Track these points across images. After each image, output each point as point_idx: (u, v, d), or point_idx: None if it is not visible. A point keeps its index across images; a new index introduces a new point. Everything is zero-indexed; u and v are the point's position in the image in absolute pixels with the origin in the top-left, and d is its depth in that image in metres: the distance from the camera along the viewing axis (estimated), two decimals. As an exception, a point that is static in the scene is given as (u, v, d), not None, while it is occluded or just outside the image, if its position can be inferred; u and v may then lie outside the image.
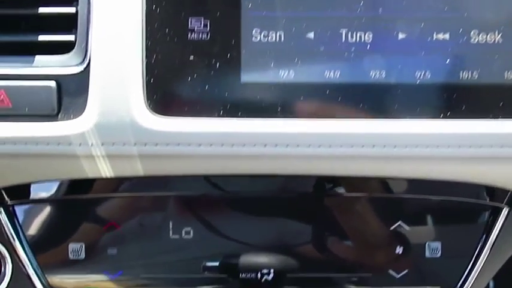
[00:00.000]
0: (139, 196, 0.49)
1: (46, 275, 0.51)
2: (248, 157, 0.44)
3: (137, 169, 0.45)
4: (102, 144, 0.43)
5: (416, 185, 0.49)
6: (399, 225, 0.51)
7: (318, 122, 0.42)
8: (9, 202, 0.49)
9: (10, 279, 0.52)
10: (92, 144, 0.43)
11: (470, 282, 0.52)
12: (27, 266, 0.50)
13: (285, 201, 0.50)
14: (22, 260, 0.50)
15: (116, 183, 0.48)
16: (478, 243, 0.51)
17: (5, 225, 0.49)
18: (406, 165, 0.44)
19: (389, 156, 0.43)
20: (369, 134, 0.42)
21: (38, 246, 0.50)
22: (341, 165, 0.45)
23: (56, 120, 0.43)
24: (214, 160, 0.44)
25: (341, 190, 0.50)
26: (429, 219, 0.51)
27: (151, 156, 0.44)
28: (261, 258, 0.51)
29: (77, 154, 0.43)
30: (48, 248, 0.50)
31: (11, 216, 0.49)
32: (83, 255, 0.50)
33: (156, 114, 0.43)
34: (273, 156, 0.43)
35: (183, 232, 0.50)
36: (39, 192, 0.49)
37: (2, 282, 0.52)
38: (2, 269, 0.52)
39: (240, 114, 0.43)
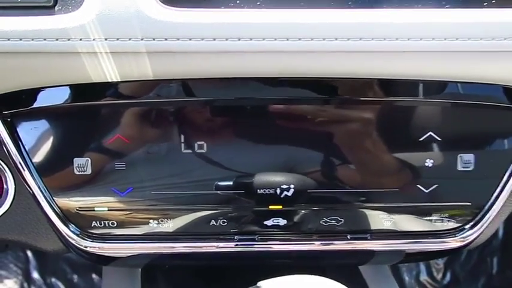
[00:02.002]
0: (149, 105, 0.44)
1: (51, 193, 0.46)
2: (266, 53, 0.39)
3: (145, 70, 0.40)
4: (106, 39, 0.38)
5: (446, 90, 0.44)
6: (429, 135, 0.46)
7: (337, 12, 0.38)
8: (7, 112, 0.44)
9: (13, 199, 0.48)
10: (93, 39, 0.38)
11: (502, 200, 0.48)
12: (31, 183, 0.46)
13: (308, 112, 0.45)
14: (25, 177, 0.45)
15: (123, 89, 0.43)
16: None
17: (4, 139, 0.45)
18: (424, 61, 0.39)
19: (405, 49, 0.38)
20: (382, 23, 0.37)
21: (41, 162, 0.46)
22: (359, 64, 0.40)
23: (53, 13, 0.38)
24: (230, 58, 0.39)
25: (365, 96, 0.45)
26: (462, 129, 0.46)
27: (160, 54, 0.39)
28: (280, 174, 0.47)
29: (78, 50, 0.38)
30: (52, 163, 0.46)
31: (11, 128, 0.45)
32: (89, 171, 0.46)
33: (165, 5, 0.38)
34: (292, 52, 0.38)
35: (196, 146, 0.46)
36: (39, 100, 0.44)
37: (4, 202, 0.48)
38: (4, 187, 0.48)
39: (258, 4, 0.38)
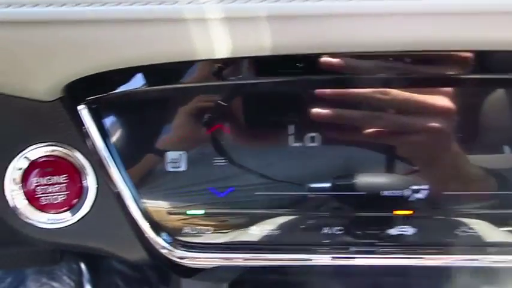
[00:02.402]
0: (258, 88, 0.37)
1: (139, 193, 0.40)
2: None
3: (264, 42, 0.33)
4: (219, 1, 0.31)
5: None
6: None
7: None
8: (93, 98, 0.38)
9: (94, 200, 0.42)
10: (204, 1, 0.31)
11: None
12: (117, 181, 0.39)
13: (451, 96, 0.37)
14: (111, 174, 0.39)
15: (230, 68, 0.36)
16: None
17: (89, 130, 0.38)
18: None
19: None
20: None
21: (128, 156, 0.39)
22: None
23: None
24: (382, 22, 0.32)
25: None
26: None
27: (287, 19, 0.32)
28: (409, 173, 0.39)
29: (184, 17, 0.32)
30: (141, 158, 0.39)
31: (96, 117, 0.38)
32: (183, 166, 0.39)
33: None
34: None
35: (307, 139, 0.38)
36: (130, 83, 0.37)
37: (83, 204, 0.41)
38: (84, 185, 0.41)
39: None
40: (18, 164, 0.40)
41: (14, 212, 0.41)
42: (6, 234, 0.42)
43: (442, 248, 0.39)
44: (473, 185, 0.37)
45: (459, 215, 0.38)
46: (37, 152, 0.40)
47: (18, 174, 0.40)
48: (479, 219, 0.39)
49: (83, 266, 1.37)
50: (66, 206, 0.41)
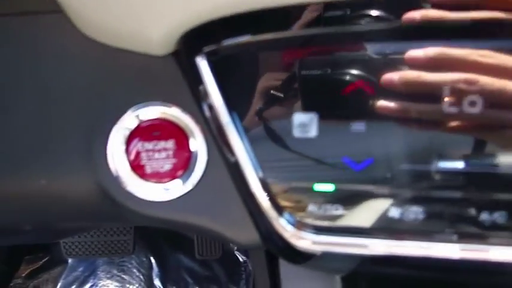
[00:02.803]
0: (414, 38, 0.30)
1: (260, 162, 0.34)
2: None
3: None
4: None
5: None
6: None
7: None
8: (212, 49, 0.32)
9: (204, 172, 0.36)
10: None
11: None
12: (237, 149, 0.33)
13: None
14: (229, 140, 0.33)
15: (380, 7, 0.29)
16: None
17: (206, 86, 0.33)
18: None
19: None
20: None
21: (249, 119, 0.33)
22: None
23: None
24: None
25: None
26: None
27: None
28: None
29: None
30: (264, 121, 0.33)
31: (216, 71, 0.33)
32: (313, 132, 0.33)
33: None
34: None
35: (466, 103, 0.30)
36: (255, 30, 0.32)
37: (191, 173, 0.36)
38: (194, 155, 0.36)
39: None
40: (125, 123, 0.35)
41: (116, 180, 0.36)
42: (103, 207, 0.37)
43: None
44: None
45: None
46: (145, 111, 0.35)
47: (123, 136, 0.35)
48: None
49: (152, 260, 1.35)
50: (172, 177, 0.36)
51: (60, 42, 0.34)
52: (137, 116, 0.35)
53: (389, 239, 0.33)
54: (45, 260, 1.40)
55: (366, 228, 0.34)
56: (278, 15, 0.30)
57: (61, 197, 0.36)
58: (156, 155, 0.36)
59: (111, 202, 0.36)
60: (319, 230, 0.33)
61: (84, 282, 1.37)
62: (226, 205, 0.36)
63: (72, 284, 1.37)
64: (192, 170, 0.36)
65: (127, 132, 0.35)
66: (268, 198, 0.34)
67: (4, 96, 0.34)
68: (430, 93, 0.30)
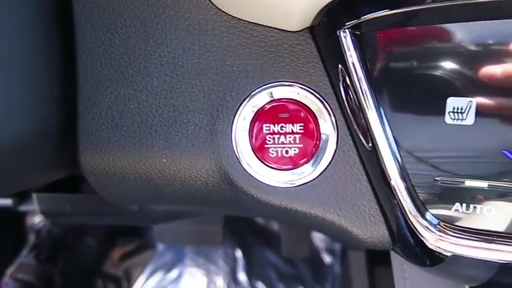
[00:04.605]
0: None
1: (401, 152, 0.30)
2: None
3: None
4: None
5: None
6: None
7: None
8: (357, 22, 0.29)
9: (331, 160, 0.33)
10: None
11: None
12: (378, 134, 0.30)
13: None
14: (370, 124, 0.30)
15: None
16: None
17: (352, 63, 0.29)
18: None
19: None
20: None
21: (394, 101, 0.30)
22: None
23: None
24: None
25: None
26: None
27: None
28: None
29: None
30: (410, 104, 0.29)
31: (360, 47, 0.29)
32: (470, 119, 0.28)
33: None
34: None
35: None
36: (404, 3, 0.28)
37: (316, 165, 0.33)
38: (323, 141, 0.33)
39: None
40: (253, 103, 0.33)
41: (238, 162, 0.34)
42: (220, 191, 0.35)
43: None
44: None
45: None
46: (275, 91, 0.32)
47: (249, 116, 0.33)
48: None
49: (239, 253, 1.35)
50: (296, 163, 0.33)
51: (193, 16, 0.33)
52: (266, 95, 0.33)
53: None
54: (136, 244, 1.45)
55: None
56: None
57: (179, 178, 0.35)
58: (282, 139, 0.33)
59: (230, 186, 0.34)
60: (465, 232, 0.29)
61: (172, 268, 1.40)
62: (353, 197, 0.33)
63: (160, 269, 1.41)
64: (319, 157, 0.33)
65: (253, 113, 0.33)
66: (407, 191, 0.30)
67: (137, 68, 0.33)
68: None
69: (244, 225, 1.34)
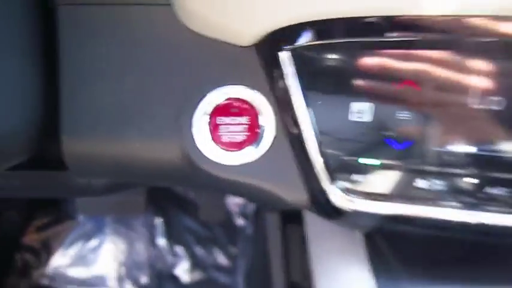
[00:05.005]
0: (454, 48, 0.39)
1: (320, 139, 0.42)
2: None
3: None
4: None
5: None
6: None
7: None
8: (296, 46, 0.40)
9: (272, 143, 0.44)
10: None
11: None
12: (304, 125, 0.41)
13: None
14: (298, 117, 0.41)
15: (429, 24, 0.38)
16: None
17: (286, 73, 0.41)
18: None
19: None
20: None
21: (315, 102, 0.42)
22: None
23: None
24: None
25: None
26: None
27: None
28: None
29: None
30: (327, 105, 0.42)
31: (291, 63, 0.41)
32: (367, 118, 0.41)
33: None
34: None
35: (491, 102, 0.39)
36: (330, 35, 0.40)
37: (258, 147, 0.44)
38: (263, 130, 0.44)
39: None
40: (210, 101, 0.43)
41: (198, 147, 0.44)
42: (184, 170, 0.45)
43: None
44: None
45: None
46: (227, 91, 0.43)
47: (207, 111, 0.43)
48: None
49: (159, 220, 1.44)
50: (243, 146, 0.44)
51: (163, 31, 0.41)
52: (221, 94, 0.43)
53: (414, 204, 0.42)
54: (55, 216, 1.46)
55: (397, 194, 0.43)
56: (349, 23, 0.38)
57: (150, 160, 0.44)
58: (232, 128, 0.44)
59: (192, 166, 0.45)
60: (362, 194, 0.43)
61: (92, 237, 1.44)
62: (285, 171, 0.45)
63: (80, 239, 1.44)
64: (261, 142, 0.44)
65: (210, 108, 0.43)
66: (323, 166, 0.42)
67: (114, 69, 0.41)
68: (459, 92, 0.39)
69: (164, 194, 1.42)
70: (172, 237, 1.48)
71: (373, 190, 0.43)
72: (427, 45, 0.39)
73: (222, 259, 1.44)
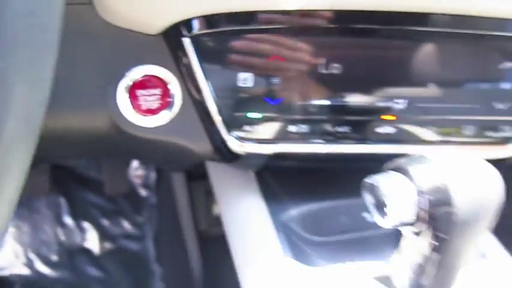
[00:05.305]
0: (302, 33, 0.56)
1: (219, 101, 0.57)
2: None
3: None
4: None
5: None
6: (506, 64, 0.60)
7: None
8: (197, 33, 0.54)
9: (180, 108, 0.58)
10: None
11: None
12: (205, 92, 0.56)
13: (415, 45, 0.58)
14: (200, 86, 0.56)
15: (288, 18, 0.55)
16: None
17: (189, 54, 0.55)
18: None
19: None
20: None
21: (213, 75, 0.57)
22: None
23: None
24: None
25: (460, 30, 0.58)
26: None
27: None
28: (393, 90, 0.60)
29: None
30: (222, 76, 0.57)
31: (194, 47, 0.55)
32: (251, 83, 0.57)
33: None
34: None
35: (333, 68, 0.58)
36: (224, 25, 0.54)
37: (171, 109, 0.58)
38: (173, 98, 0.58)
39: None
40: (129, 77, 0.56)
41: (122, 115, 0.57)
42: (112, 136, 0.58)
43: (415, 141, 0.61)
44: (437, 100, 0.60)
45: (425, 120, 0.61)
46: (143, 70, 0.56)
47: (128, 85, 0.56)
48: (432, 124, 0.62)
49: (62, 199, 1.49)
50: (158, 112, 0.58)
51: (89, 25, 0.53)
52: (139, 72, 0.56)
53: (289, 144, 0.60)
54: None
55: (276, 138, 0.60)
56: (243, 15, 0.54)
57: (85, 127, 0.56)
58: (149, 98, 0.57)
59: (119, 131, 0.57)
60: (252, 140, 0.59)
61: (-7, 225, 1.44)
62: (194, 129, 0.59)
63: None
64: (172, 108, 0.58)
65: (130, 83, 0.56)
66: (222, 122, 0.58)
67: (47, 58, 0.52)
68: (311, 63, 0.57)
69: (66, 174, 1.47)
70: (78, 214, 1.54)
71: (259, 136, 0.60)
72: (286, 30, 0.56)
73: (129, 228, 1.54)
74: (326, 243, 0.66)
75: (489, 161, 0.56)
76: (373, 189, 0.46)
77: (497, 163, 0.62)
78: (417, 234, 0.46)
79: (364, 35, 0.57)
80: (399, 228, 0.48)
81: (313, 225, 0.66)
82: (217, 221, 1.02)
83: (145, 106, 0.57)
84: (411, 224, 0.45)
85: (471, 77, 0.60)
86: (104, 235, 1.51)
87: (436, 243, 0.46)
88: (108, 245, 1.49)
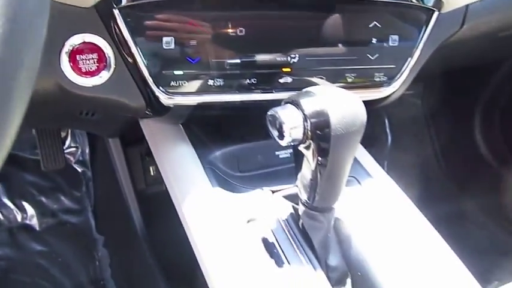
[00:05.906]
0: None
1: (148, 63, 0.70)
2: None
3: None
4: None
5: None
6: (375, 24, 0.78)
7: None
8: (125, 5, 0.66)
9: (114, 69, 0.70)
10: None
11: (411, 64, 0.82)
12: (136, 55, 0.68)
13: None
14: (132, 50, 0.68)
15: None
16: (417, 40, 0.82)
17: (120, 24, 0.66)
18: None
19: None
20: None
21: (142, 40, 0.69)
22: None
23: None
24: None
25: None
26: (393, 19, 0.80)
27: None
28: (289, 48, 0.76)
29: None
30: (149, 41, 0.69)
31: (124, 16, 0.67)
32: (172, 46, 0.71)
33: None
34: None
35: (239, 30, 0.73)
36: None
37: (108, 72, 0.70)
38: (109, 61, 0.70)
39: None
40: (69, 44, 0.66)
41: (66, 77, 0.68)
42: (59, 95, 0.69)
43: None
44: (323, 55, 0.77)
45: (316, 71, 0.78)
46: (81, 38, 0.67)
47: (68, 51, 0.67)
48: (321, 74, 0.78)
49: (-4, 180, 1.53)
50: (96, 73, 0.70)
51: None
52: (78, 39, 0.67)
53: (209, 95, 0.74)
54: None
55: (198, 90, 0.74)
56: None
57: (35, 92, 0.66)
58: (88, 62, 0.69)
59: (63, 91, 0.68)
60: (178, 94, 0.73)
61: None
62: (129, 87, 0.72)
63: None
64: (108, 69, 0.70)
65: (71, 48, 0.67)
66: (152, 80, 0.71)
67: None
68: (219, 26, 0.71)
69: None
70: (16, 194, 1.58)
71: (184, 90, 0.73)
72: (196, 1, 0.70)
73: (68, 203, 1.61)
74: (246, 177, 0.81)
75: (368, 101, 0.74)
76: (273, 118, 0.62)
77: (373, 102, 0.81)
78: (307, 148, 0.63)
79: (263, 4, 0.72)
80: (295, 146, 0.64)
81: (235, 163, 0.82)
82: (154, 181, 1.15)
83: (85, 68, 0.68)
84: (302, 142, 0.61)
85: (349, 35, 0.77)
86: (43, 212, 1.57)
87: (320, 158, 0.62)
88: (49, 221, 1.55)
